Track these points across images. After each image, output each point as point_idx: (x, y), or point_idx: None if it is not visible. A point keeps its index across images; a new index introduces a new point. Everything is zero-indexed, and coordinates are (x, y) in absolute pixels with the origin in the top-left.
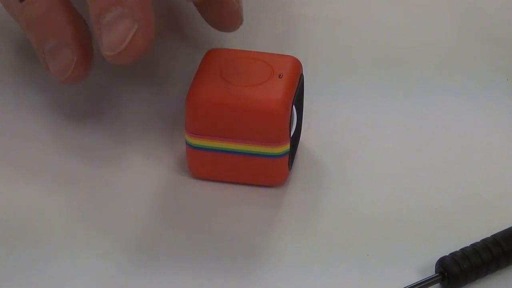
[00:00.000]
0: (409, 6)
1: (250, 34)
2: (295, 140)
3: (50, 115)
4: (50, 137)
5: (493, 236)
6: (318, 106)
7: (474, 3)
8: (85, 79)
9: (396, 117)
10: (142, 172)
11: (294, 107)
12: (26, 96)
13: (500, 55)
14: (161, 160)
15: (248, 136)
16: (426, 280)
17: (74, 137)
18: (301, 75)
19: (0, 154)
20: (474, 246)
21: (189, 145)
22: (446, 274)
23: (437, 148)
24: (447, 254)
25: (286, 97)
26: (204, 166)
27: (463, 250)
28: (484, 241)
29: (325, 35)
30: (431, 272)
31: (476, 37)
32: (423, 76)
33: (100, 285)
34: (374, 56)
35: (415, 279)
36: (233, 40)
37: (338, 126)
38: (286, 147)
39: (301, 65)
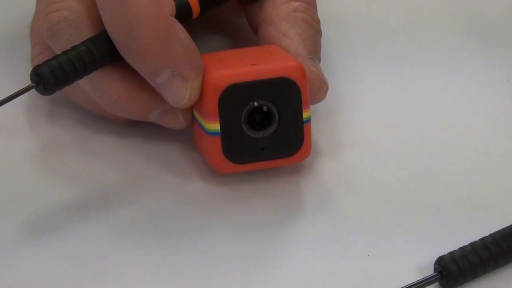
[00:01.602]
0: (409, 6)
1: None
2: (267, 142)
3: (69, 126)
4: (69, 147)
5: (492, 235)
6: (317, 106)
7: (475, 3)
8: None
9: (396, 117)
10: (154, 178)
11: (266, 105)
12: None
13: (501, 55)
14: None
15: (200, 108)
16: (425, 280)
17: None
18: (288, 81)
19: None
20: (472, 245)
21: (211, 134)
22: (444, 273)
23: (437, 148)
24: (446, 253)
25: (228, 77)
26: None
27: (461, 249)
28: (482, 240)
29: (326, 35)
30: (430, 271)
31: (477, 38)
32: (423, 77)
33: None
34: (373, 55)
35: (414, 278)
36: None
37: (339, 128)
38: (215, 125)
39: (298, 74)
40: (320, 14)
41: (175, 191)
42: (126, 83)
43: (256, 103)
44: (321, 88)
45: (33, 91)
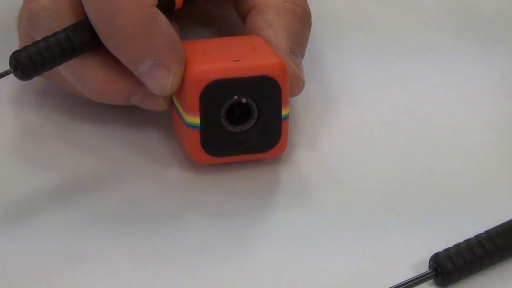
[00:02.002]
0: (405, 5)
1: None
2: (245, 137)
3: (49, 114)
4: (49, 135)
5: (487, 232)
6: (311, 103)
7: (470, 1)
8: None
9: (391, 115)
10: (134, 166)
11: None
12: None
13: (496, 53)
14: (150, 155)
15: (181, 99)
16: (420, 277)
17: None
18: (269, 79)
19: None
20: (467, 242)
21: (191, 126)
22: (439, 270)
23: (432, 146)
24: (441, 250)
25: (210, 73)
26: None
27: (456, 246)
28: (477, 237)
29: (321, 32)
30: (425, 268)
31: (472, 36)
32: (418, 75)
33: (98, 281)
34: (368, 54)
35: (409, 275)
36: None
37: (332, 125)
38: (195, 119)
39: (279, 72)
40: (315, 12)
41: (154, 179)
42: (106, 71)
43: (235, 97)
44: (297, 84)
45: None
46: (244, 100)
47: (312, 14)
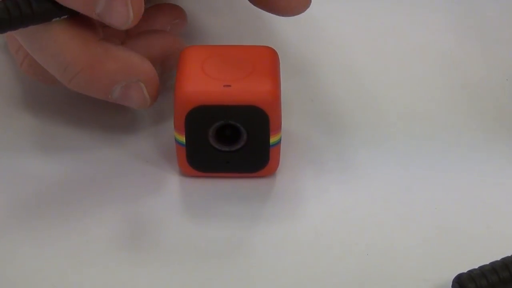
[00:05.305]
0: (408, 6)
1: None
2: (232, 157)
3: (40, 114)
4: (40, 136)
5: None
6: (314, 107)
7: (475, 3)
8: None
9: (396, 117)
10: (132, 170)
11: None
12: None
13: (500, 55)
14: (149, 158)
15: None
16: None
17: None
18: (257, 109)
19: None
20: (493, 264)
21: (179, 143)
22: None
23: (436, 147)
24: (465, 271)
25: (197, 97)
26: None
27: (481, 268)
28: (504, 259)
29: (327, 37)
30: None
31: (475, 37)
32: (421, 76)
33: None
34: (371, 56)
35: None
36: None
37: (341, 125)
38: (182, 137)
39: (267, 102)
40: (317, 13)
41: (153, 183)
42: (88, 53)
43: (223, 121)
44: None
45: None
46: (232, 122)
47: (313, 14)
